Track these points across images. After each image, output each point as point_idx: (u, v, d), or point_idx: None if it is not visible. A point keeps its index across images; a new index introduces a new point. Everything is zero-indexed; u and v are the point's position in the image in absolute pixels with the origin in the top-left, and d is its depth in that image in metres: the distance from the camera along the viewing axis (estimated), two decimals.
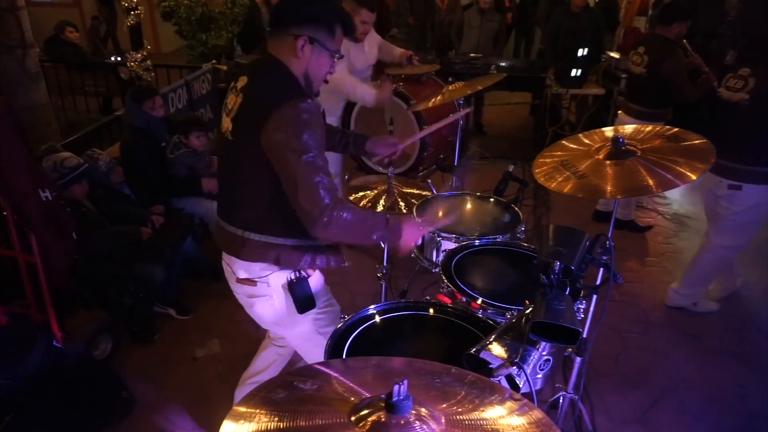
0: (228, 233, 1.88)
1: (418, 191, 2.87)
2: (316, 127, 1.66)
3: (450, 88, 3.33)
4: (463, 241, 2.42)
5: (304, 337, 2.05)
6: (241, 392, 2.38)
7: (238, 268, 1.92)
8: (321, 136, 1.68)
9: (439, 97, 3.33)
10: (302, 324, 2.00)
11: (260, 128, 1.65)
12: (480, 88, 3.34)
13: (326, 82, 1.88)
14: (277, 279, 1.89)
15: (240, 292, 1.97)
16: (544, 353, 1.50)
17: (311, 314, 1.98)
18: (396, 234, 1.80)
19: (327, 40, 1.78)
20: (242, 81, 1.79)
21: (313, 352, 2.09)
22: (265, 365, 2.39)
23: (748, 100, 3.00)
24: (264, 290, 1.91)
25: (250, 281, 1.90)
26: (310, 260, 1.87)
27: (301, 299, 1.91)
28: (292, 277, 1.89)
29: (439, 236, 2.48)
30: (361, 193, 2.77)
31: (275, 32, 1.78)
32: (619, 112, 4.62)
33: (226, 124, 1.82)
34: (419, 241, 1.90)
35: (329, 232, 1.66)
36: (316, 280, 1.98)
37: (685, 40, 3.95)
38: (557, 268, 1.44)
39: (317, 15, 1.76)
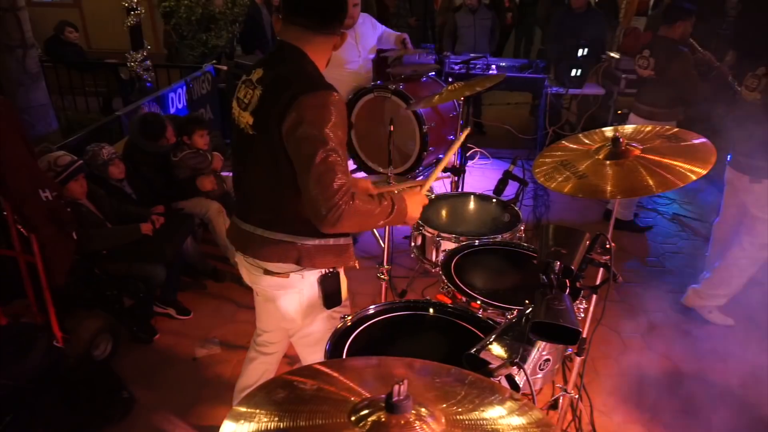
0: (245, 233, 1.85)
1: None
2: (339, 121, 1.63)
3: (449, 88, 3.33)
4: (463, 241, 2.42)
5: (313, 336, 2.04)
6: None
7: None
8: (343, 132, 1.65)
9: (437, 97, 3.33)
10: (319, 320, 1.99)
11: (283, 116, 1.61)
12: (479, 89, 3.34)
13: None
14: (312, 272, 1.88)
15: (266, 284, 1.92)
16: (544, 353, 1.50)
17: (330, 312, 1.97)
18: (402, 214, 1.78)
19: None
20: (258, 73, 1.76)
21: (315, 353, 2.07)
22: (256, 377, 2.34)
23: (760, 99, 3.02)
24: (296, 283, 1.87)
25: (282, 274, 1.85)
26: (332, 259, 1.86)
27: (331, 294, 1.91)
28: (327, 271, 1.89)
29: (439, 236, 2.48)
30: None
31: (315, 33, 1.74)
32: (619, 112, 4.62)
33: (245, 118, 1.77)
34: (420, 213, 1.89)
35: (340, 225, 1.61)
36: (341, 277, 1.98)
37: (692, 39, 3.95)
38: (557, 268, 1.44)
39: (346, 6, 1.80)
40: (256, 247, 1.84)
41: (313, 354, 2.09)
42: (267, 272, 1.87)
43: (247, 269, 1.96)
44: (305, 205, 1.65)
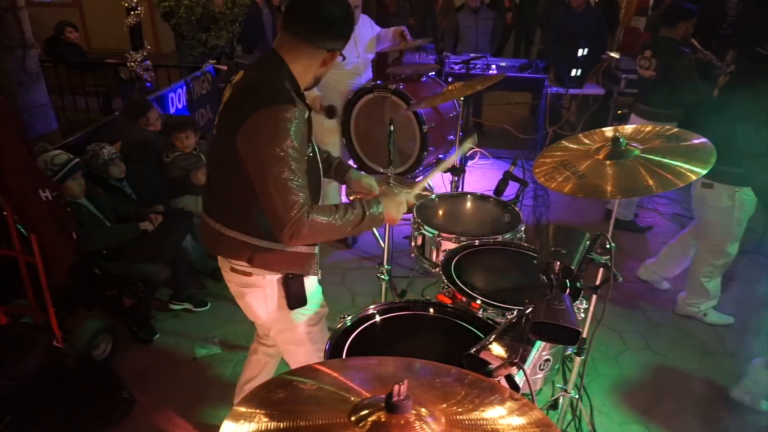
0: (209, 227, 1.89)
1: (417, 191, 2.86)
2: (296, 135, 1.62)
3: (450, 88, 3.34)
4: (463, 241, 2.42)
5: (288, 334, 2.05)
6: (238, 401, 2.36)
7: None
8: (301, 145, 1.64)
9: (438, 97, 3.33)
10: (290, 321, 2.00)
11: (239, 127, 1.64)
12: (480, 88, 3.34)
13: None
14: (272, 272, 1.90)
15: (233, 281, 1.97)
16: (544, 353, 1.50)
17: (300, 312, 1.98)
18: (377, 219, 1.78)
19: (344, 47, 1.82)
20: (238, 76, 1.80)
21: (295, 352, 2.09)
22: (258, 370, 2.38)
23: (717, 96, 3.04)
24: (259, 282, 1.91)
25: (245, 272, 1.89)
26: (284, 264, 1.87)
27: (294, 295, 1.92)
28: (289, 272, 1.90)
29: (439, 236, 2.48)
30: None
31: (301, 43, 1.74)
32: (619, 112, 4.61)
33: (216, 118, 1.83)
34: (401, 214, 1.86)
35: (298, 240, 1.64)
36: (311, 278, 1.97)
37: (693, 39, 3.95)
38: (557, 268, 1.44)
39: (350, 30, 1.79)
40: (216, 241, 1.88)
41: (292, 353, 2.12)
42: (233, 269, 1.92)
43: (221, 265, 2.00)
44: (267, 217, 1.68)
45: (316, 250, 1.93)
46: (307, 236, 1.64)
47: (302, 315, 2.00)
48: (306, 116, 1.71)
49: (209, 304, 3.52)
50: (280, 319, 2.00)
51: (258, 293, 1.94)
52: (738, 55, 3.27)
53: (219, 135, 1.79)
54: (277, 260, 1.85)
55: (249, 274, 1.89)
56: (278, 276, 1.90)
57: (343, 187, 4.23)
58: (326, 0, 1.72)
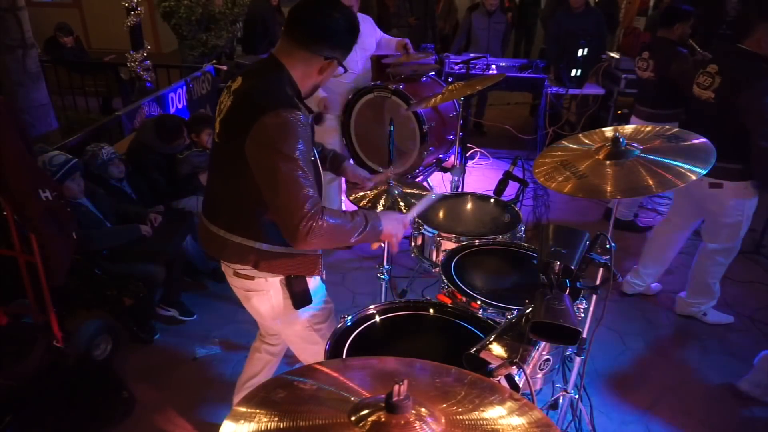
0: (210, 232, 1.89)
1: (418, 191, 2.87)
2: (302, 138, 1.64)
3: (450, 88, 3.33)
4: (463, 241, 2.42)
5: (298, 333, 2.07)
6: (238, 398, 2.38)
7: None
8: (307, 149, 1.66)
9: (438, 97, 3.33)
10: (297, 320, 2.01)
11: (246, 132, 1.64)
12: (479, 88, 3.34)
13: None
14: (275, 275, 1.90)
15: (238, 285, 1.98)
16: (544, 353, 1.50)
17: (306, 310, 1.99)
18: (376, 232, 1.79)
19: (344, 58, 1.82)
20: (236, 82, 1.79)
21: (307, 350, 2.11)
22: (259, 368, 2.39)
23: (714, 98, 3.02)
24: (261, 285, 1.91)
25: (247, 276, 1.90)
26: (290, 268, 1.87)
27: (299, 295, 1.92)
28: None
29: (439, 236, 2.48)
30: (361, 193, 2.77)
31: (299, 48, 1.73)
32: (619, 112, 4.59)
33: (216, 125, 1.83)
34: (401, 233, 1.86)
35: (309, 243, 1.63)
36: (314, 277, 1.98)
37: (691, 40, 3.95)
38: (557, 268, 1.44)
39: (350, 42, 1.78)
40: (219, 247, 1.87)
41: (304, 351, 2.13)
42: (236, 274, 1.92)
43: (224, 271, 2.00)
44: (277, 224, 1.68)
45: (320, 251, 1.93)
46: (321, 235, 1.62)
47: (308, 313, 2.01)
48: (309, 121, 1.72)
49: (195, 315, 3.47)
50: (287, 320, 2.01)
51: (263, 296, 1.94)
52: (720, 52, 3.29)
53: (222, 142, 1.78)
54: (282, 264, 1.85)
55: (251, 278, 1.90)
56: (280, 277, 1.90)
57: (344, 188, 4.23)
58: (330, 9, 1.71)
